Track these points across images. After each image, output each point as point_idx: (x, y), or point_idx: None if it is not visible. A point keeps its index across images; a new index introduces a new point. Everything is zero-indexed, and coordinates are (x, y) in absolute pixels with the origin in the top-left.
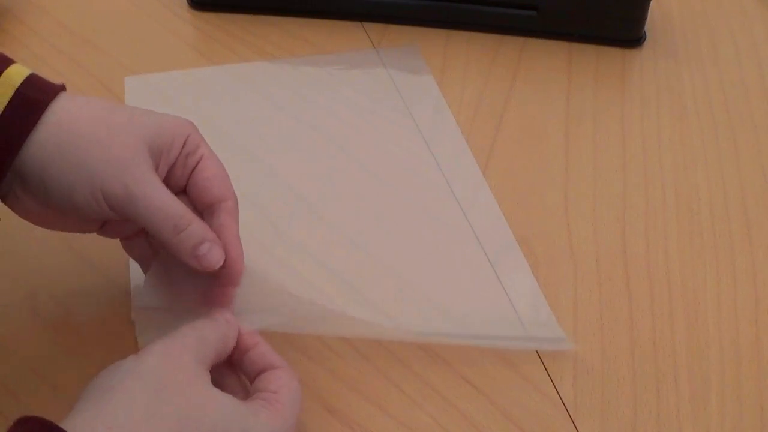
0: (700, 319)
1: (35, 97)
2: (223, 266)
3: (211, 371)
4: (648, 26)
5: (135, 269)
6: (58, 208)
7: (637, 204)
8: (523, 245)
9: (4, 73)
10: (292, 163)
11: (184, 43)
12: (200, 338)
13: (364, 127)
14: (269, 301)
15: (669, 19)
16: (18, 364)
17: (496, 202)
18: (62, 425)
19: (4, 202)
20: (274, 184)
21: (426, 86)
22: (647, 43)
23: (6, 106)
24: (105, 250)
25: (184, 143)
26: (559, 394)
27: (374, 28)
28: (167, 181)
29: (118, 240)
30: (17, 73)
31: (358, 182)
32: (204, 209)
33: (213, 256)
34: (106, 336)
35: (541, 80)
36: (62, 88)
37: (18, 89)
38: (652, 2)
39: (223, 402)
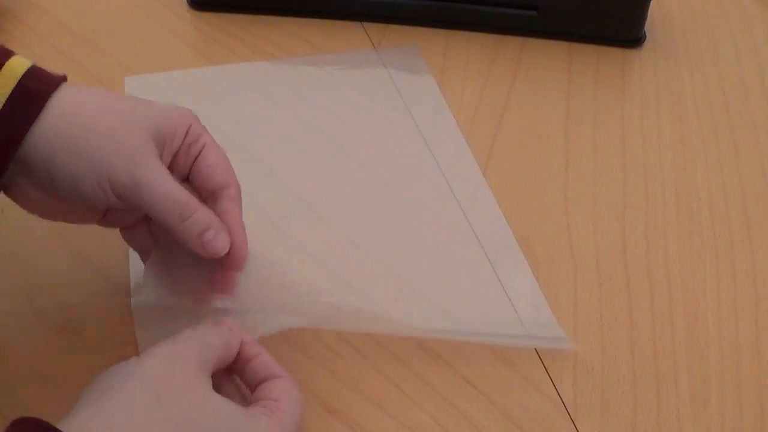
0: (700, 319)
1: (37, 88)
2: (227, 252)
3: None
4: (648, 26)
5: (134, 268)
6: (64, 198)
7: (637, 204)
8: (523, 245)
9: (6, 65)
10: (292, 163)
11: (184, 43)
12: (204, 343)
13: (364, 127)
14: (271, 298)
15: (669, 19)
16: (18, 364)
17: (496, 202)
18: (60, 426)
19: (6, 193)
20: (274, 184)
21: (426, 86)
22: (647, 43)
23: (8, 98)
24: (105, 250)
25: (187, 132)
26: (559, 394)
27: (374, 28)
28: (171, 170)
29: (118, 239)
30: (19, 65)
31: (358, 182)
32: (207, 197)
33: (219, 242)
34: (106, 336)
35: (541, 80)
36: (63, 78)
37: (20, 81)
38: (652, 2)
39: (224, 407)
